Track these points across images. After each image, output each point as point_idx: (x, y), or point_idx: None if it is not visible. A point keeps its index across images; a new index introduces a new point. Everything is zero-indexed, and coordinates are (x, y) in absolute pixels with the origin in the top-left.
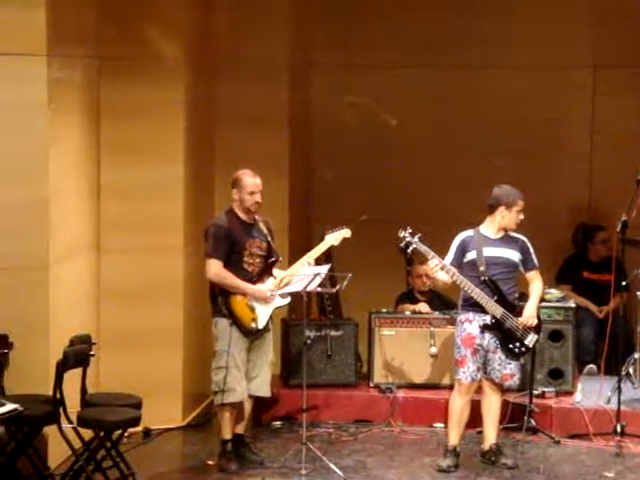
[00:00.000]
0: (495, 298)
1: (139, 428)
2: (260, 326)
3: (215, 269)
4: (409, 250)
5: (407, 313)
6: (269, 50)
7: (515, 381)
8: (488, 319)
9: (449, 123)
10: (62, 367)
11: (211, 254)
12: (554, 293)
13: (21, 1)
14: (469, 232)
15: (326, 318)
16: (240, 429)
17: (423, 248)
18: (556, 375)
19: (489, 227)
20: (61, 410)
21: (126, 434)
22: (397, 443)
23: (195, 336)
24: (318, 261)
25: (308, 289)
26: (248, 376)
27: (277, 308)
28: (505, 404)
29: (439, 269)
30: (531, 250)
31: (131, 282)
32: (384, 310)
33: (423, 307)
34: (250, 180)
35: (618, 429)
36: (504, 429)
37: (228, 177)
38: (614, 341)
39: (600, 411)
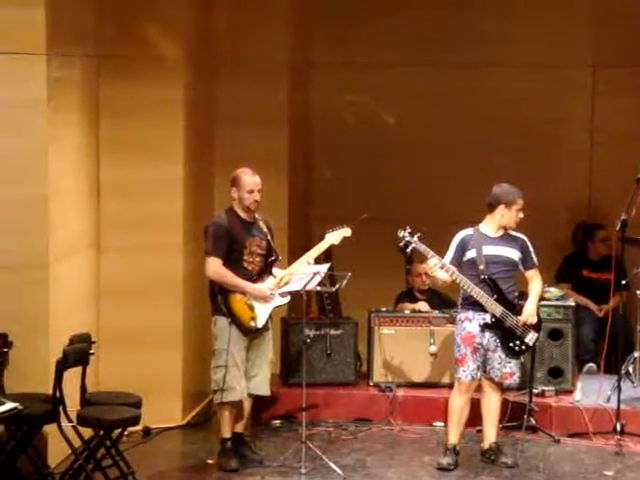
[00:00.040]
0: (495, 297)
1: (139, 427)
2: (259, 325)
3: (215, 267)
4: (408, 250)
5: (407, 312)
6: (269, 50)
7: (515, 380)
8: (488, 318)
9: (449, 122)
10: (62, 366)
11: (211, 252)
12: (554, 292)
13: (20, 0)
14: (469, 231)
15: (326, 317)
16: (239, 428)
17: (422, 247)
18: (556, 374)
19: (489, 226)
20: (61, 409)
21: (126, 433)
22: (397, 442)
23: (195, 335)
24: (318, 260)
25: (308, 288)
26: (247, 375)
27: (277, 307)
28: (505, 403)
29: (438, 268)
30: (531, 249)
31: (131, 280)
32: (384, 309)
33: (423, 306)
34: (249, 179)
35: (618, 428)
36: (504, 428)
37: (228, 176)
38: (614, 340)
39: (600, 410)
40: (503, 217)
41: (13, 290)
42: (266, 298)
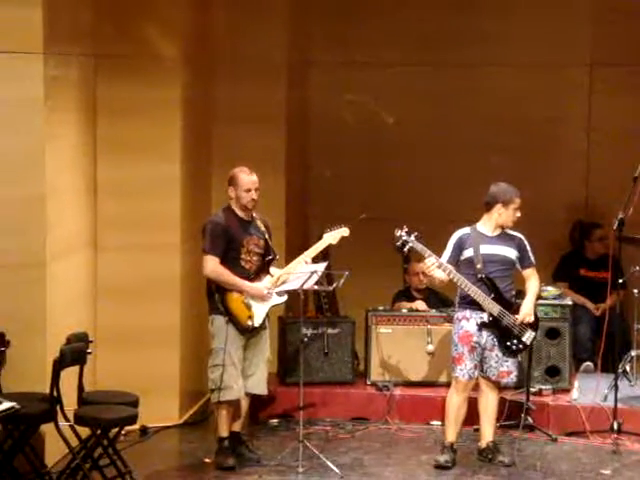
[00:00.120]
0: (492, 296)
1: (136, 426)
2: (256, 324)
3: (212, 266)
4: (405, 249)
5: (404, 311)
6: (266, 49)
7: (512, 378)
8: (485, 317)
9: (447, 121)
10: (59, 365)
11: (208, 251)
12: (551, 291)
13: None
14: (466, 230)
15: (323, 316)
16: (237, 427)
17: (419, 247)
18: (553, 373)
19: (486, 225)
20: (58, 408)
21: (123, 432)
22: (394, 441)
23: (192, 334)
24: (315, 259)
25: (305, 287)
26: (245, 374)
27: (274, 306)
28: (502, 402)
29: (436, 267)
30: (528, 247)
31: (128, 280)
32: (381, 308)
33: (420, 305)
34: (246, 178)
35: (615, 427)
36: (501, 427)
37: (225, 175)
38: (611, 339)
39: (597, 409)
40: (500, 216)
41: (10, 289)
42: (263, 297)
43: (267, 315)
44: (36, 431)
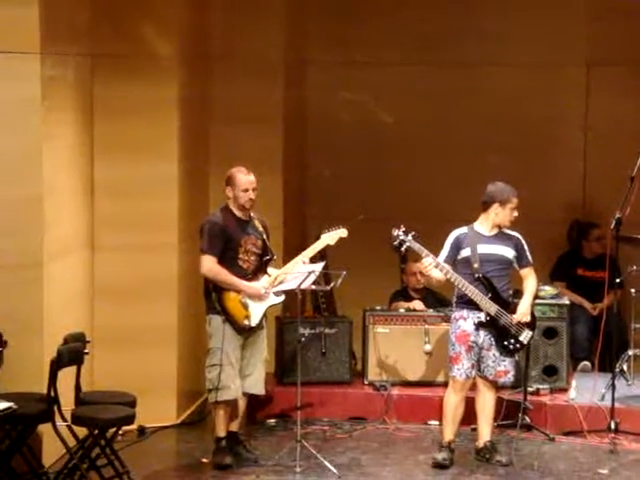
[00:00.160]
0: (489, 295)
1: (133, 426)
2: (253, 323)
3: (209, 265)
4: (403, 249)
5: (401, 311)
6: (263, 48)
7: (509, 378)
8: (482, 316)
9: (446, 120)
10: (56, 365)
11: (206, 250)
12: (548, 290)
13: None
14: (463, 229)
15: (320, 316)
16: (234, 427)
17: (417, 246)
18: (550, 372)
19: (483, 224)
20: (55, 408)
21: (120, 432)
22: (391, 440)
23: (189, 334)
24: (313, 259)
25: (302, 287)
26: (242, 374)
27: (271, 306)
28: (499, 401)
29: (433, 267)
30: (525, 247)
31: (125, 280)
32: (378, 308)
33: (417, 305)
34: (244, 177)
35: (612, 426)
36: (498, 426)
37: (223, 175)
38: (608, 338)
39: (594, 408)
40: (497, 216)
41: (7, 289)
42: (261, 297)
43: (265, 315)
44: (33, 431)
